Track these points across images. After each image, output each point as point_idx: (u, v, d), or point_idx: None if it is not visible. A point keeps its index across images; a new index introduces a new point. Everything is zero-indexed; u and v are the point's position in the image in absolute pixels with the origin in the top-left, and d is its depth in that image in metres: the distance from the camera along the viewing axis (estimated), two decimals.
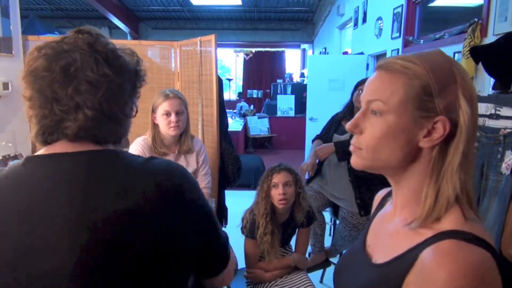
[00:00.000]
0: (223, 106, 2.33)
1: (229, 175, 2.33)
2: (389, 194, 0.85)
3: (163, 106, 1.85)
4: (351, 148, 0.73)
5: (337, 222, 2.55)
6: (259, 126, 7.57)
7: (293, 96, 7.94)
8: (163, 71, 2.59)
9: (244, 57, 11.03)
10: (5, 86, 1.98)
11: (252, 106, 8.84)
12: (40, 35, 3.11)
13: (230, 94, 11.35)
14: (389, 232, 0.74)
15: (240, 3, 7.47)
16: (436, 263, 0.57)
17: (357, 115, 0.71)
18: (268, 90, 10.47)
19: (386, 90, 0.66)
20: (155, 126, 1.91)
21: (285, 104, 7.82)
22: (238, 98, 10.34)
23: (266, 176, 1.83)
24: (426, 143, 0.65)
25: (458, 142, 0.63)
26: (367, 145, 0.69)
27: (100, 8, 6.99)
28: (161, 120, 1.87)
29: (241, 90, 11.12)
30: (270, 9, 8.31)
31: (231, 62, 12.32)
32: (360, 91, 2.17)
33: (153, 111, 1.89)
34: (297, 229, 1.96)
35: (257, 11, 8.51)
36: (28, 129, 2.23)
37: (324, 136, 2.52)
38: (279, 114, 7.87)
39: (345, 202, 2.31)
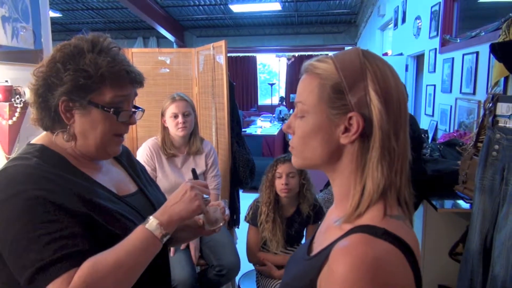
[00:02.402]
0: (235, 109, 2.37)
1: (241, 177, 2.37)
2: None
3: (171, 109, 1.94)
4: (289, 148, 0.76)
5: None
6: None
7: None
8: (182, 77, 2.69)
9: (286, 62, 11.03)
10: None
11: (292, 110, 8.79)
12: None
13: (273, 99, 11.39)
14: (325, 227, 0.76)
15: (280, 8, 7.50)
16: (336, 256, 0.58)
17: (291, 116, 0.74)
18: None
19: (305, 92, 0.69)
20: (164, 128, 2.01)
21: None
22: (279, 102, 10.35)
23: (271, 166, 1.89)
24: (344, 139, 0.66)
25: (375, 137, 0.63)
26: (296, 145, 0.72)
27: (148, 20, 7.38)
28: (169, 122, 1.96)
29: (284, 95, 11.11)
30: (311, 13, 8.26)
31: (276, 66, 12.39)
32: None
33: (162, 114, 1.99)
34: (305, 227, 1.95)
35: (298, 16, 8.49)
36: None
37: None
38: None
39: None
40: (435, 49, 3.61)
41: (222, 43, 2.23)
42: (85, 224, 0.79)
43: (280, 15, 8.38)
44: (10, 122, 1.96)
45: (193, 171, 1.05)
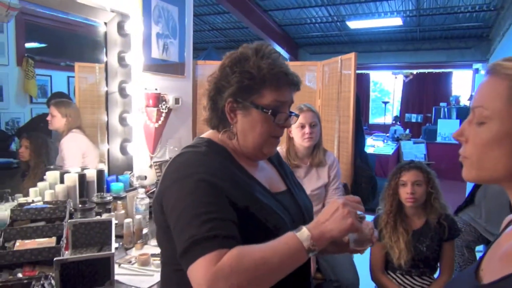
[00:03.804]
0: (360, 123, 2.30)
1: (363, 194, 2.28)
2: None
3: (298, 119, 1.97)
4: (459, 158, 0.70)
5: None
6: (414, 152, 7.01)
7: (458, 121, 7.12)
8: (305, 88, 2.73)
9: (403, 79, 10.43)
10: (177, 101, 2.44)
11: (408, 131, 8.26)
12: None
13: (385, 118, 10.87)
14: (501, 254, 0.67)
15: (401, 23, 7.17)
16: None
17: (463, 122, 0.68)
18: (429, 114, 9.61)
19: (489, 95, 0.63)
20: (290, 139, 2.05)
21: (448, 129, 7.04)
22: (393, 121, 9.81)
23: (394, 173, 1.79)
24: None
25: None
26: (471, 154, 0.66)
27: (267, 39, 7.76)
28: (295, 132, 1.99)
29: (398, 114, 10.51)
30: (435, 27, 7.69)
31: (389, 84, 11.82)
32: None
33: None
34: (439, 246, 1.78)
35: (420, 31, 7.99)
36: (191, 136, 2.66)
37: None
38: (439, 140, 7.14)
39: None
40: None
41: (351, 56, 2.21)
42: (241, 214, 0.85)
43: (400, 30, 8.00)
44: (156, 125, 2.22)
45: (345, 186, 1.04)
